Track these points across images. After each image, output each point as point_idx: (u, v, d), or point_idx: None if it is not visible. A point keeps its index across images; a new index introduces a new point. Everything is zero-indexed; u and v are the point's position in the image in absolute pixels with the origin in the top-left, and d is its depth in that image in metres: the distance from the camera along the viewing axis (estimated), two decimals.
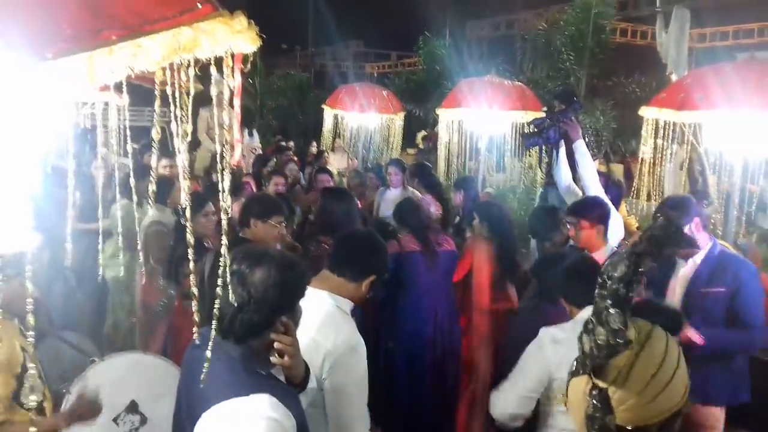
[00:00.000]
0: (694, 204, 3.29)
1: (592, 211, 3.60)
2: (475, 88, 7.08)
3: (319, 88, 15.88)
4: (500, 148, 7.56)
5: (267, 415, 1.45)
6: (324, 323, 2.08)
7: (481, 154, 7.64)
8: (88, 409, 2.18)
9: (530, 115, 7.15)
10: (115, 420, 2.32)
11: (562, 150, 4.31)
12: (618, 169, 9.63)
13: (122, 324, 4.94)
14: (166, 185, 4.65)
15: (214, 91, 1.48)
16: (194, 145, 8.68)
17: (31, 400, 1.96)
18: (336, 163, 8.58)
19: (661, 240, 1.12)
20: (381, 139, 8.71)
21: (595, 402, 1.08)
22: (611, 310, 1.06)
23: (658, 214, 3.30)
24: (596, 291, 1.10)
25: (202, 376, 1.43)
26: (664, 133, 4.55)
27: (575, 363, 1.14)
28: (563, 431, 2.38)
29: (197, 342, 1.66)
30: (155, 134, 1.29)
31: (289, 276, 1.62)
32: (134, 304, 4.69)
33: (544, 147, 5.13)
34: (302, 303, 1.73)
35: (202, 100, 1.62)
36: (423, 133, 11.44)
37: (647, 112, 4.59)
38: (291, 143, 10.17)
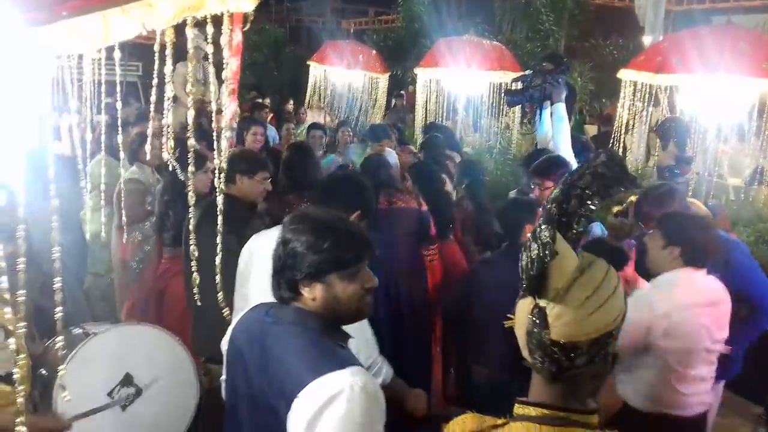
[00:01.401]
0: (674, 199, 3.14)
1: (556, 170, 3.61)
2: (453, 48, 7.07)
3: (294, 44, 15.58)
4: (477, 109, 7.58)
5: (367, 388, 1.46)
6: None
7: (458, 114, 7.66)
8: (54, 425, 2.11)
9: (508, 76, 7.18)
10: (110, 394, 2.34)
11: (547, 110, 4.36)
12: (592, 131, 9.73)
13: (102, 280, 4.94)
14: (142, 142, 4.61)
15: (195, 45, 1.48)
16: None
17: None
18: (313, 120, 8.52)
19: (606, 178, 1.19)
20: (365, 99, 8.66)
21: (534, 319, 1.18)
22: (542, 226, 1.15)
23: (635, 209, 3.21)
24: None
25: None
26: (642, 96, 4.63)
27: (521, 287, 1.24)
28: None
29: (267, 317, 1.65)
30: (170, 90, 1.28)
31: (323, 238, 1.59)
32: (112, 261, 4.69)
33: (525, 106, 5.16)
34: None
35: (180, 55, 1.62)
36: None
37: (626, 75, 4.66)
38: (267, 100, 10.04)
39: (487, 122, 7.89)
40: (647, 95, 4.87)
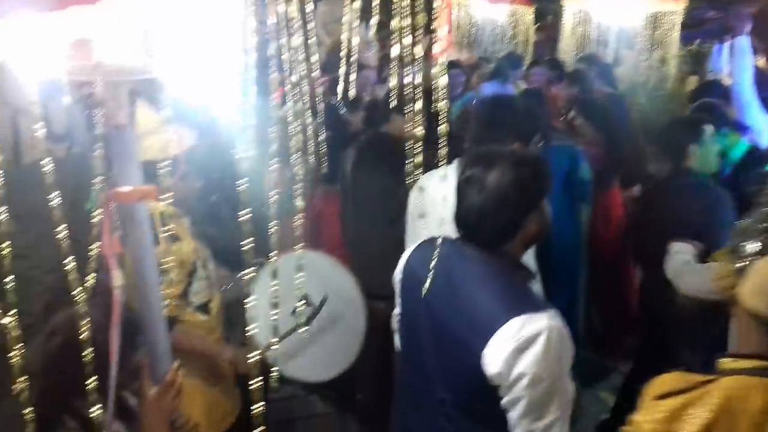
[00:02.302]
0: None
1: None
2: None
3: None
4: (630, 41, 7.05)
5: (562, 332, 1.49)
6: None
7: (609, 48, 7.18)
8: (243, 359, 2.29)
9: (666, 4, 6.59)
10: (293, 313, 2.49)
11: (727, 45, 3.97)
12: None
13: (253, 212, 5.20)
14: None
15: None
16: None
17: (197, 300, 2.12)
18: (452, 57, 8.30)
19: None
20: (509, 33, 8.31)
21: None
22: None
23: None
24: None
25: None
26: None
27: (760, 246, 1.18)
28: None
29: (451, 251, 1.67)
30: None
31: (525, 173, 1.60)
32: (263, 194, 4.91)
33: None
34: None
35: None
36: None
37: None
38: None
39: (634, 55, 7.33)
40: None
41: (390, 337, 3.22)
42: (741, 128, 3.63)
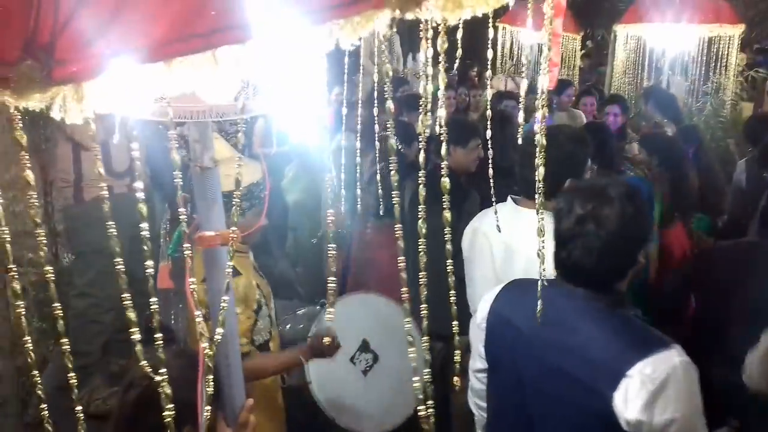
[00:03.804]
0: None
1: None
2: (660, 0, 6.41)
3: None
4: (685, 68, 6.88)
5: (691, 365, 1.43)
6: None
7: (663, 74, 7.02)
8: (328, 346, 2.15)
9: (725, 30, 6.41)
10: (351, 360, 2.39)
11: None
12: None
13: (303, 244, 5.13)
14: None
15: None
16: (354, 70, 8.72)
17: (259, 338, 2.05)
18: (498, 86, 8.23)
19: None
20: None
21: None
22: None
23: None
24: None
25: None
26: None
27: None
28: None
29: (551, 291, 1.62)
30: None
31: (639, 205, 1.52)
32: (315, 227, 4.83)
33: None
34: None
35: None
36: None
37: None
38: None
39: (680, 82, 7.16)
40: None
41: (446, 380, 3.08)
42: None
